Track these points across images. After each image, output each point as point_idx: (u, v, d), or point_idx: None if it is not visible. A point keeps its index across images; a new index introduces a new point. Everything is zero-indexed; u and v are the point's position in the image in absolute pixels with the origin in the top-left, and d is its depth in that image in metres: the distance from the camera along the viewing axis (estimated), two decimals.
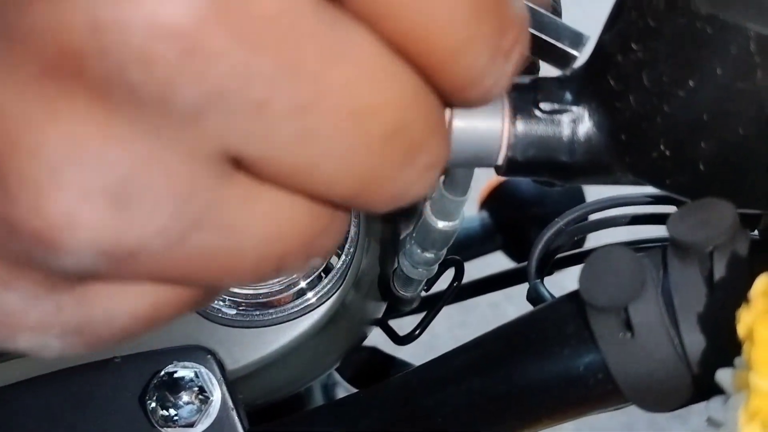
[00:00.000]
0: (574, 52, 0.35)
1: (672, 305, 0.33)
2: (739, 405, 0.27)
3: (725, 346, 0.30)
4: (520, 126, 0.35)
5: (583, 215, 0.46)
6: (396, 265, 0.48)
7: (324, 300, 0.44)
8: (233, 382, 0.43)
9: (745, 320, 0.27)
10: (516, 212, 0.86)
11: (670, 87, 0.32)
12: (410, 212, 0.53)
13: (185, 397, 0.42)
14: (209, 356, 0.43)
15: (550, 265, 0.47)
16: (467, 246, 0.85)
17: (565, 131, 0.35)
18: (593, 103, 0.35)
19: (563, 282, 0.49)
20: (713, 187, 0.33)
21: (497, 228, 0.87)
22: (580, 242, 0.62)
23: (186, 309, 0.24)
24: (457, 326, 1.69)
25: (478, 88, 0.23)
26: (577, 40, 0.34)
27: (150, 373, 0.42)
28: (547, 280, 0.46)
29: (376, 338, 0.57)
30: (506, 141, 0.35)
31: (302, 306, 0.43)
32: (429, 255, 0.44)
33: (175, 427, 0.41)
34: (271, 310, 0.43)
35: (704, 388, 0.32)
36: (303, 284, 0.43)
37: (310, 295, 0.43)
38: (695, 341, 0.32)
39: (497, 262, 0.86)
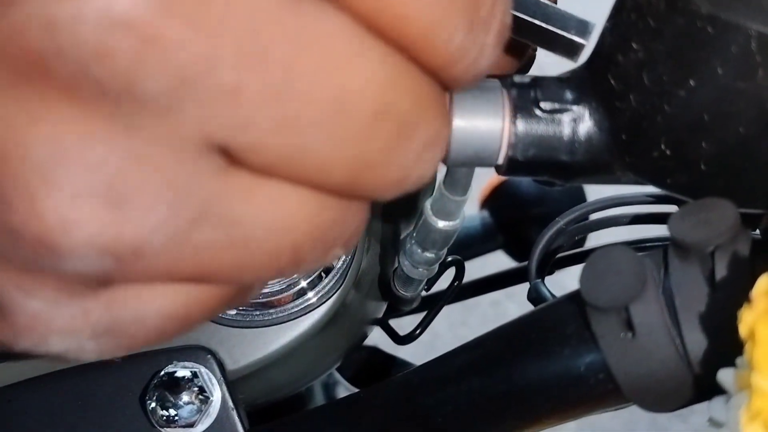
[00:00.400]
0: (581, 41, 0.35)
1: (673, 305, 0.33)
2: (741, 405, 0.27)
3: (727, 346, 0.30)
4: (521, 125, 0.35)
5: (584, 215, 0.46)
6: (396, 264, 0.48)
7: (324, 300, 0.44)
8: (233, 382, 0.43)
9: (747, 320, 0.27)
10: (517, 211, 0.86)
11: (670, 87, 0.32)
12: (411, 212, 0.53)
13: (185, 397, 0.42)
14: (209, 356, 0.43)
15: (551, 264, 0.47)
16: (468, 245, 0.85)
17: (566, 131, 0.35)
18: (594, 103, 0.35)
19: (564, 281, 0.48)
20: (714, 187, 0.33)
21: (498, 227, 0.87)
22: (581, 242, 0.62)
23: (220, 307, 0.24)
24: (458, 325, 1.69)
25: (462, 63, 0.23)
26: (584, 28, 0.34)
27: (150, 373, 0.42)
28: (548, 279, 0.46)
29: (377, 338, 0.57)
30: (507, 140, 0.35)
31: (303, 306, 0.43)
32: (429, 255, 0.44)
33: (175, 427, 0.41)
34: (271, 310, 0.43)
35: (706, 388, 0.32)
36: (303, 284, 0.43)
37: (310, 294, 0.43)
38: (696, 341, 0.32)
39: (498, 261, 0.86)
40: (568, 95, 0.35)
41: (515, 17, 0.34)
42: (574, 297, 0.36)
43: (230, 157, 0.21)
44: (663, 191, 0.35)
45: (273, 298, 0.43)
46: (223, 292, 0.24)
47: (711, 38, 0.30)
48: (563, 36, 0.34)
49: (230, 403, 0.42)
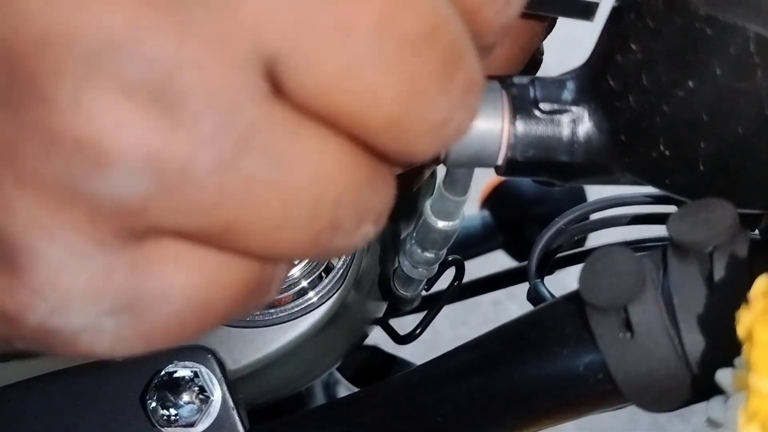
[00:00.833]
0: (595, 0, 0.35)
1: (672, 305, 0.33)
2: (739, 405, 0.27)
3: (725, 347, 0.30)
4: (520, 126, 0.35)
5: (584, 215, 0.46)
6: (396, 264, 0.48)
7: (324, 300, 0.44)
8: (234, 382, 0.43)
9: (745, 321, 0.27)
10: (517, 211, 0.86)
11: (669, 87, 0.32)
12: (410, 212, 0.53)
13: (186, 396, 0.42)
14: (210, 356, 0.43)
15: (551, 264, 0.48)
16: (468, 245, 0.85)
17: (565, 131, 0.35)
18: (593, 104, 0.35)
19: (565, 280, 0.49)
20: (713, 187, 0.33)
21: (498, 227, 0.87)
22: (581, 242, 0.62)
23: (240, 297, 0.22)
24: (459, 324, 1.69)
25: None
26: None
27: (150, 372, 0.42)
28: (548, 278, 0.46)
29: (377, 337, 0.57)
30: (506, 141, 0.35)
31: (303, 306, 0.44)
32: (429, 255, 0.44)
33: (175, 426, 0.41)
34: (271, 310, 0.43)
35: (704, 388, 0.32)
36: (304, 284, 0.43)
37: (310, 294, 0.44)
38: (695, 341, 0.32)
39: (499, 261, 0.86)
40: (567, 96, 0.35)
41: None
42: (573, 297, 0.37)
43: (276, 86, 0.20)
44: (662, 192, 0.35)
45: (273, 298, 0.43)
46: (247, 274, 0.22)
47: (709, 39, 0.30)
48: None
49: (230, 403, 0.42)
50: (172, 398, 0.42)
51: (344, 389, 0.71)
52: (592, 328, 0.34)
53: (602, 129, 0.35)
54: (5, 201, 0.20)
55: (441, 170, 0.41)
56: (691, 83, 0.31)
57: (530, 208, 0.85)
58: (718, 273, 0.32)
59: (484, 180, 0.86)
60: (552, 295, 0.42)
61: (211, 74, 0.19)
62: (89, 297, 0.21)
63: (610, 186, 0.37)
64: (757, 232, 0.37)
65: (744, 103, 0.30)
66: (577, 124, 0.35)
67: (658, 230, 0.44)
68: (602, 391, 0.35)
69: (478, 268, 0.73)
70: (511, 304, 1.75)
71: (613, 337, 0.34)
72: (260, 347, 0.44)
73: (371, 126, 0.21)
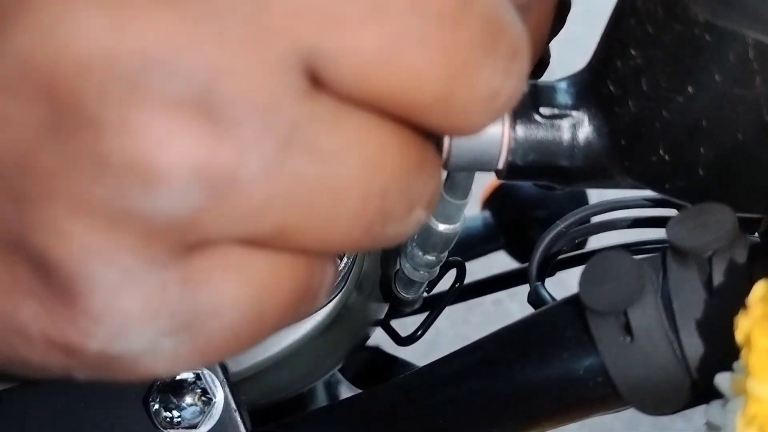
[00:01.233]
0: None
1: (671, 309, 0.33)
2: (738, 409, 0.28)
3: (724, 351, 0.30)
4: (520, 130, 0.35)
5: (585, 218, 0.46)
6: (398, 267, 0.48)
7: (326, 302, 0.44)
8: (236, 384, 0.43)
9: (743, 327, 0.27)
10: (518, 212, 0.86)
11: (669, 93, 0.32)
12: None
13: (188, 398, 0.42)
14: None
15: (551, 266, 0.48)
16: (469, 246, 0.85)
17: (565, 136, 0.35)
18: (593, 108, 0.35)
19: (566, 279, 0.49)
20: (712, 192, 0.33)
21: (499, 228, 0.87)
22: (582, 244, 0.62)
23: (291, 303, 0.22)
24: (460, 324, 1.69)
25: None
26: None
27: None
28: (549, 277, 0.47)
29: (379, 337, 0.57)
30: (506, 145, 0.35)
31: None
32: (430, 257, 0.45)
33: (178, 428, 0.42)
34: None
35: (703, 392, 0.33)
36: None
37: None
38: (694, 345, 0.32)
39: (500, 261, 0.86)
40: (568, 100, 0.35)
41: None
42: (573, 300, 0.37)
43: (315, 80, 0.20)
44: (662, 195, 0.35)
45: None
46: (297, 279, 0.22)
47: (709, 45, 0.30)
48: None
49: (233, 405, 0.43)
50: (174, 400, 0.42)
51: (346, 388, 0.71)
52: (592, 331, 0.34)
53: (602, 133, 0.35)
54: (59, 230, 0.20)
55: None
56: (690, 89, 0.31)
57: (531, 210, 0.85)
58: (718, 277, 0.32)
59: (486, 181, 0.86)
60: (553, 298, 0.42)
61: (249, 79, 0.19)
62: (147, 318, 0.21)
63: (612, 189, 0.38)
64: (756, 235, 0.37)
65: (743, 109, 0.30)
66: (578, 128, 0.35)
67: (660, 233, 0.44)
68: (602, 395, 0.35)
69: (480, 267, 0.73)
70: (512, 303, 1.75)
71: (612, 340, 0.34)
72: (262, 349, 0.44)
73: (419, 105, 0.21)
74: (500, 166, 0.36)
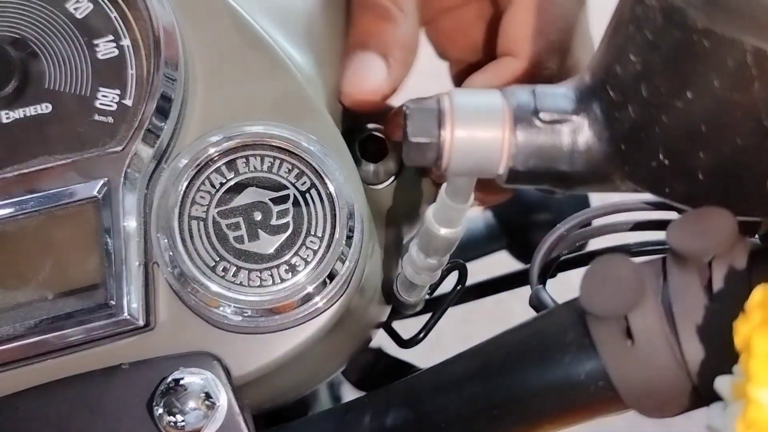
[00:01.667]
0: None
1: (672, 314, 0.33)
2: (737, 413, 0.28)
3: (724, 355, 0.30)
4: (521, 136, 0.36)
5: (586, 221, 0.46)
6: (399, 270, 0.48)
7: (329, 306, 0.44)
8: (239, 388, 0.44)
9: (743, 332, 0.27)
10: (520, 214, 0.86)
11: (668, 98, 0.32)
12: (413, 217, 0.53)
13: (192, 403, 0.42)
14: (215, 362, 0.43)
15: (553, 268, 0.48)
16: (471, 246, 0.85)
17: (566, 141, 0.35)
18: (593, 113, 0.35)
19: (569, 278, 0.49)
20: (712, 196, 0.34)
21: (501, 229, 0.87)
22: (583, 246, 0.62)
23: None
24: (462, 323, 1.69)
25: None
26: None
27: (157, 379, 0.42)
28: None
29: (381, 338, 0.57)
30: (507, 151, 0.36)
31: (307, 311, 0.44)
32: (432, 261, 0.45)
33: None
34: (276, 316, 0.43)
35: (704, 395, 0.33)
36: (309, 289, 0.43)
37: (314, 300, 0.44)
38: (695, 349, 0.33)
39: (502, 261, 0.86)
40: (568, 106, 0.35)
41: None
42: (574, 305, 0.37)
43: None
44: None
45: (278, 305, 0.43)
46: None
47: (707, 52, 0.30)
48: None
49: (236, 409, 0.43)
50: (178, 405, 0.42)
51: (348, 388, 0.72)
52: (593, 335, 0.35)
53: (602, 138, 0.35)
54: None
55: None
56: (689, 95, 0.31)
57: (533, 212, 0.85)
58: (718, 282, 0.32)
59: None
60: (554, 301, 0.43)
61: None
62: None
63: (612, 193, 0.38)
64: (756, 237, 0.37)
65: (742, 114, 0.31)
66: (578, 133, 0.35)
67: (661, 235, 0.44)
68: (603, 398, 0.35)
69: (482, 267, 0.73)
70: (514, 303, 1.74)
71: (613, 344, 0.34)
72: (265, 353, 0.44)
73: None
74: (501, 171, 0.36)
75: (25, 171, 0.44)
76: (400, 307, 0.51)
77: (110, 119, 0.44)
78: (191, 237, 0.44)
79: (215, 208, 0.44)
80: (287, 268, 0.44)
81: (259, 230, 0.44)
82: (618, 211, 0.45)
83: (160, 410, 0.42)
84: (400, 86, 0.49)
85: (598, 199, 0.62)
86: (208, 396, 0.42)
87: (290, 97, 0.47)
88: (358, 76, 0.48)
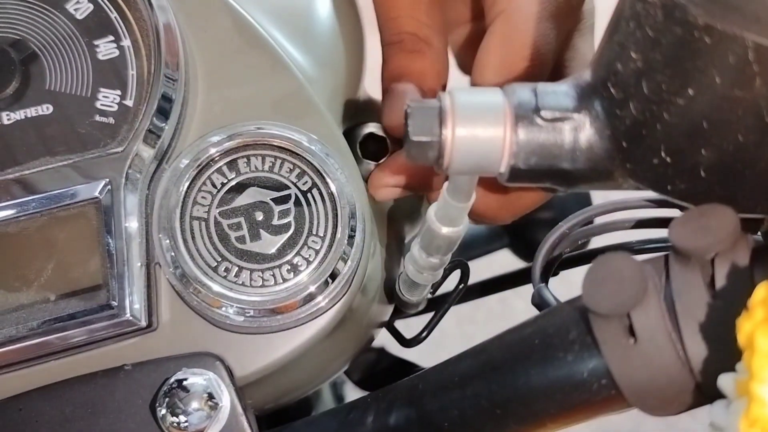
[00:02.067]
0: None
1: (674, 311, 0.33)
2: (740, 411, 0.28)
3: (727, 352, 0.30)
4: (522, 134, 0.35)
5: (588, 219, 0.46)
6: (401, 269, 0.48)
7: (331, 305, 0.44)
8: (242, 388, 0.44)
9: (745, 329, 0.27)
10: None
11: (669, 95, 0.32)
12: (415, 216, 0.53)
13: (195, 403, 0.42)
14: (218, 363, 0.43)
15: (555, 266, 0.48)
16: (473, 245, 0.85)
17: (567, 139, 0.35)
18: (594, 111, 0.35)
19: (571, 277, 0.49)
20: (714, 193, 0.33)
21: (503, 227, 0.87)
22: (585, 244, 0.62)
23: None
24: (465, 322, 1.69)
25: None
26: None
27: (160, 380, 0.42)
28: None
29: (384, 337, 0.57)
30: (508, 149, 0.36)
31: (310, 311, 0.44)
32: (434, 260, 0.45)
33: None
34: (278, 316, 0.43)
35: (707, 393, 0.33)
36: (311, 289, 0.43)
37: (317, 300, 0.44)
38: (697, 347, 0.32)
39: (504, 261, 0.86)
40: (569, 104, 0.35)
41: None
42: (576, 303, 0.37)
43: None
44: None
45: (280, 305, 0.43)
46: None
47: (708, 48, 0.30)
48: None
49: (239, 409, 0.43)
50: (181, 405, 0.42)
51: (351, 387, 0.72)
52: (596, 334, 0.34)
53: (603, 136, 0.35)
54: None
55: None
56: (690, 91, 0.31)
57: (536, 211, 0.84)
58: (720, 279, 0.32)
59: None
60: (557, 300, 0.42)
61: None
62: None
63: (614, 190, 0.38)
64: (759, 234, 0.37)
65: (743, 110, 0.31)
66: (579, 131, 0.35)
67: (664, 232, 0.44)
68: (606, 396, 0.35)
69: (484, 267, 0.73)
70: (517, 301, 1.74)
71: (616, 342, 0.34)
72: (268, 353, 0.44)
73: None
74: (502, 169, 0.36)
75: (27, 172, 0.44)
76: (403, 307, 0.51)
77: (111, 120, 0.45)
78: (193, 237, 0.44)
79: (217, 208, 0.44)
80: (289, 268, 0.44)
81: (261, 230, 0.44)
82: (620, 209, 0.45)
83: (163, 411, 0.42)
84: None
85: (599, 197, 0.62)
86: (211, 396, 0.42)
87: (291, 97, 0.47)
88: (398, 106, 0.48)
